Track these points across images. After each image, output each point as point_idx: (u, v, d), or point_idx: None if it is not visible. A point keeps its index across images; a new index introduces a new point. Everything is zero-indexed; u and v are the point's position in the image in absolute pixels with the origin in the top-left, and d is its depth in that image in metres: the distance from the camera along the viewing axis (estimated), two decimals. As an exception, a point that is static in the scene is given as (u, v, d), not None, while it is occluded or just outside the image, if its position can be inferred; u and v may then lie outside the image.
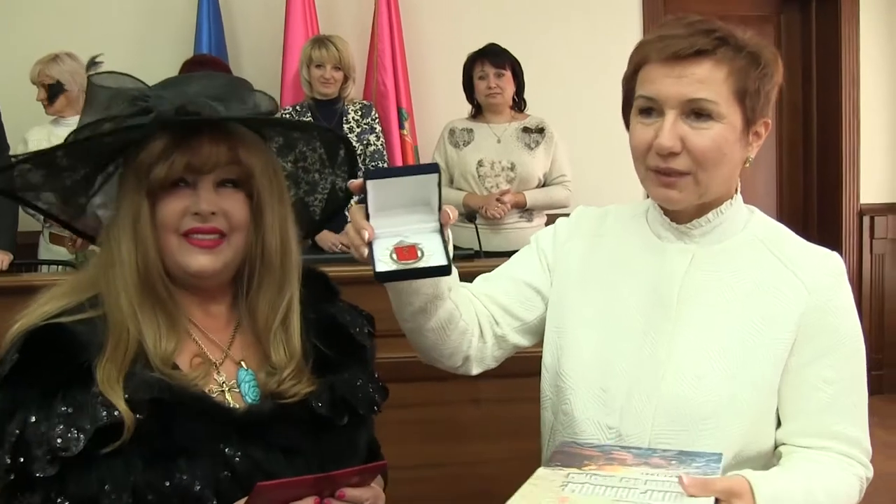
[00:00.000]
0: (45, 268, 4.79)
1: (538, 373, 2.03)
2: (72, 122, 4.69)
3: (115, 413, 1.59)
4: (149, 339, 1.69)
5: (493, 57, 4.84)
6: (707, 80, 1.73)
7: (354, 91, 5.03)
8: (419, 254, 1.57)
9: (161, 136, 1.66)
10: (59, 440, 1.58)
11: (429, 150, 5.58)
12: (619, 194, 5.40)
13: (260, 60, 5.79)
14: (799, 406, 1.79)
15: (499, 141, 4.91)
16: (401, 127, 5.57)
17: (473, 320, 1.93)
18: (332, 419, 1.75)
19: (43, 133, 4.88)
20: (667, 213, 1.84)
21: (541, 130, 4.94)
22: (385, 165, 5.08)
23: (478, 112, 5.00)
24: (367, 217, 1.60)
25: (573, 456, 1.74)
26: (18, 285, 3.38)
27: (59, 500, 1.61)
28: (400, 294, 1.75)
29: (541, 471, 1.66)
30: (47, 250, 4.91)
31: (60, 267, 4.65)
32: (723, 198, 1.83)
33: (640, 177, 1.81)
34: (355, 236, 1.59)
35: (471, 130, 4.96)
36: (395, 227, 1.61)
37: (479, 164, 4.88)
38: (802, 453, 1.76)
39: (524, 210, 4.87)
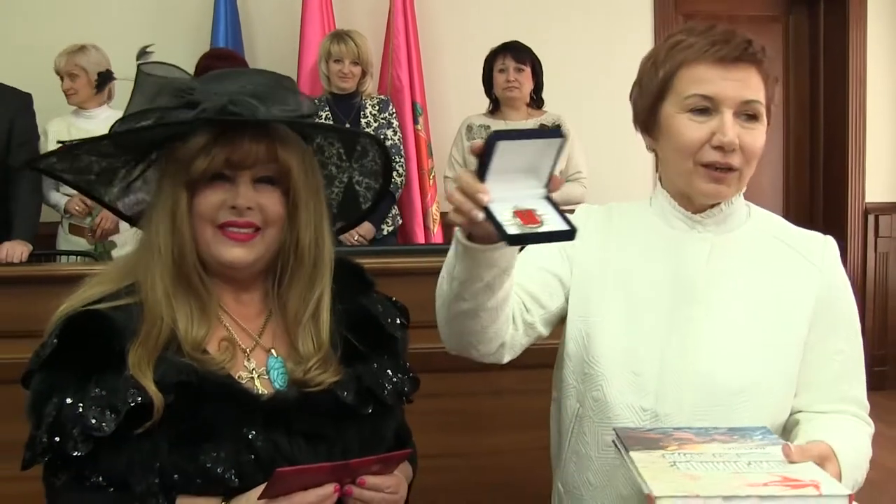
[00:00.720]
0: (63, 258, 4.82)
1: (552, 364, 2.08)
2: (93, 114, 4.94)
3: (146, 395, 1.63)
4: (181, 325, 1.72)
5: (515, 52, 4.88)
6: (756, 85, 1.83)
7: (371, 86, 5.03)
8: (539, 219, 1.52)
9: (203, 131, 1.70)
10: (92, 421, 1.63)
11: (442, 144, 5.64)
12: (626, 191, 5.43)
13: (276, 54, 5.77)
14: (817, 376, 1.88)
15: None
16: (415, 122, 5.58)
17: (513, 305, 1.95)
18: (357, 408, 1.78)
19: (63, 125, 4.94)
20: (681, 204, 1.90)
21: (557, 128, 4.90)
22: (402, 160, 5.13)
23: (495, 107, 5.04)
24: (482, 180, 1.51)
25: (643, 440, 1.75)
26: (38, 275, 3.40)
27: (91, 478, 1.67)
28: (477, 267, 1.68)
29: (636, 454, 1.66)
30: (66, 241, 4.92)
31: (79, 258, 4.70)
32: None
33: (682, 171, 1.86)
34: (465, 201, 1.50)
35: (488, 127, 4.97)
36: (505, 192, 1.53)
37: None
38: (822, 418, 1.85)
39: None
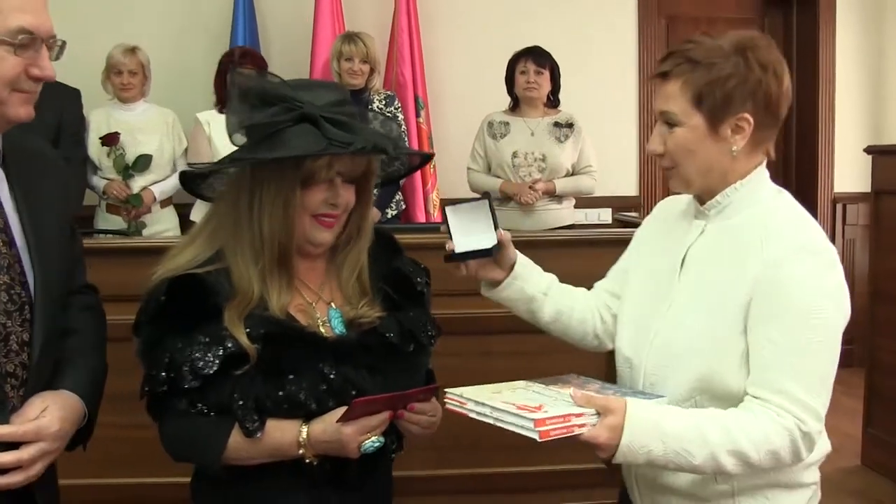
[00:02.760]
0: (101, 235, 4.90)
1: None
2: (132, 107, 5.15)
3: (239, 344, 1.84)
4: (273, 296, 1.93)
5: (536, 56, 4.96)
6: (670, 95, 1.91)
7: (378, 82, 5.11)
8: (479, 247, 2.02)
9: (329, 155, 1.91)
10: (199, 362, 1.83)
11: (441, 135, 5.78)
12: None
13: (290, 53, 5.86)
14: (753, 360, 1.87)
15: (532, 134, 5.02)
16: (417, 115, 5.65)
17: (590, 310, 2.22)
18: (401, 346, 1.98)
19: (102, 115, 5.08)
20: (696, 196, 2.00)
21: (570, 125, 5.05)
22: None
23: (515, 105, 5.11)
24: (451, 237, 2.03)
25: (558, 380, 2.03)
26: (131, 247, 3.79)
27: (199, 406, 1.89)
28: (509, 303, 2.17)
29: (531, 382, 1.99)
30: (104, 220, 5.10)
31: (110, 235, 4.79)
32: (728, 182, 1.94)
33: None
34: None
35: (507, 123, 5.07)
36: (466, 239, 2.05)
37: (514, 154, 5.00)
38: (744, 401, 1.86)
39: (554, 196, 5.01)
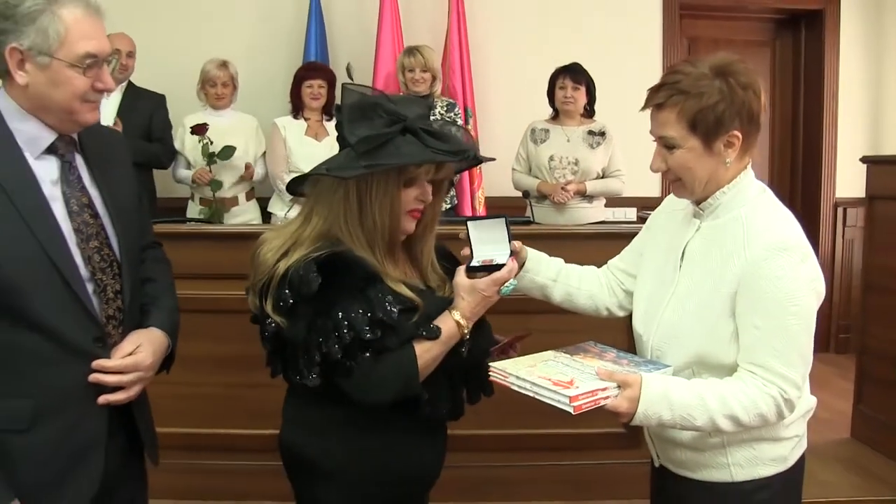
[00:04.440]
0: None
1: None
2: (223, 113, 5.23)
3: (408, 298, 1.96)
4: (389, 272, 2.01)
5: (574, 74, 5.03)
6: (666, 122, 1.96)
7: (439, 87, 5.20)
8: (492, 262, 2.04)
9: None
10: (381, 314, 1.91)
11: (487, 141, 5.67)
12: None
13: (355, 64, 5.37)
14: (742, 341, 1.94)
15: (568, 140, 5.06)
16: (466, 122, 5.62)
17: (598, 286, 2.32)
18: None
19: (197, 119, 5.10)
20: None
21: (602, 133, 5.08)
22: None
23: (556, 115, 5.17)
24: (471, 248, 2.09)
25: (580, 349, 2.13)
26: (216, 233, 3.95)
27: (383, 352, 1.93)
28: (526, 291, 2.26)
29: (553, 352, 2.09)
30: (194, 210, 5.22)
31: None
32: (720, 186, 2.00)
33: None
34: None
35: (547, 130, 5.13)
36: (483, 252, 2.08)
37: (551, 158, 5.05)
38: (738, 372, 1.95)
39: (585, 196, 5.05)
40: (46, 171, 1.95)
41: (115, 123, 4.95)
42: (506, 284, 2.00)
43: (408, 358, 1.94)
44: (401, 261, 2.15)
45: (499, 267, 2.01)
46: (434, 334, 1.95)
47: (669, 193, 2.24)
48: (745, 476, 2.06)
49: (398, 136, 1.95)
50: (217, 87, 5.15)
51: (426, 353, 1.95)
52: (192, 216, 5.17)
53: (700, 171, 1.97)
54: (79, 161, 2.03)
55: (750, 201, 2.01)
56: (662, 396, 1.87)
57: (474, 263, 2.04)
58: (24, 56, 1.85)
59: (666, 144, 1.98)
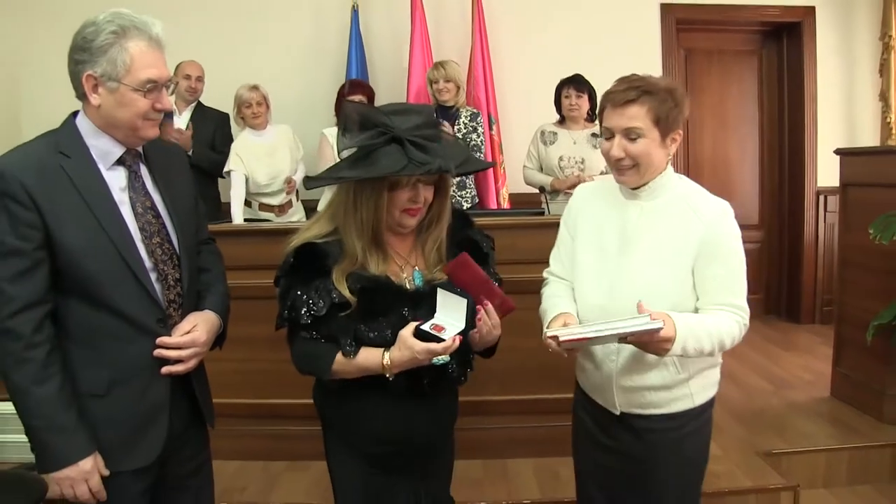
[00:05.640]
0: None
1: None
2: (262, 133, 5.20)
3: (342, 296, 1.99)
4: (372, 264, 2.06)
5: (577, 84, 5.06)
6: (636, 115, 2.09)
7: (462, 98, 5.20)
8: (441, 329, 1.97)
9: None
10: (314, 306, 1.99)
11: (509, 144, 5.84)
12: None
13: (391, 80, 6.07)
14: (703, 289, 2.12)
15: (574, 142, 5.06)
16: (490, 129, 5.73)
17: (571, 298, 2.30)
18: (461, 293, 2.03)
19: (243, 139, 5.20)
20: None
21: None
22: (481, 156, 5.23)
23: (562, 120, 5.18)
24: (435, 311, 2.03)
25: (574, 326, 2.10)
26: (266, 230, 4.01)
27: (314, 335, 2.05)
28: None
29: (561, 329, 2.06)
30: (254, 214, 5.28)
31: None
32: (658, 173, 2.16)
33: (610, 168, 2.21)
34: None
35: (556, 133, 5.14)
36: (441, 318, 2.01)
37: (560, 158, 5.05)
38: (709, 310, 2.12)
39: None
40: (116, 180, 2.03)
41: (186, 128, 5.16)
42: (438, 357, 1.98)
43: (323, 359, 2.04)
44: (406, 246, 2.17)
45: (440, 340, 1.97)
46: (347, 353, 2.01)
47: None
48: (701, 400, 2.24)
49: (383, 147, 1.98)
50: (252, 107, 5.16)
51: (342, 366, 2.03)
52: (248, 217, 5.28)
53: (655, 158, 2.12)
54: (143, 171, 2.11)
55: (678, 184, 2.19)
56: (688, 329, 2.02)
57: (425, 327, 2.00)
58: (98, 82, 1.94)
59: (630, 135, 2.10)
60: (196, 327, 2.10)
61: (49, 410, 1.92)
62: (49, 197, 1.91)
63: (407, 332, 1.98)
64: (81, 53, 1.94)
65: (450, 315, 2.00)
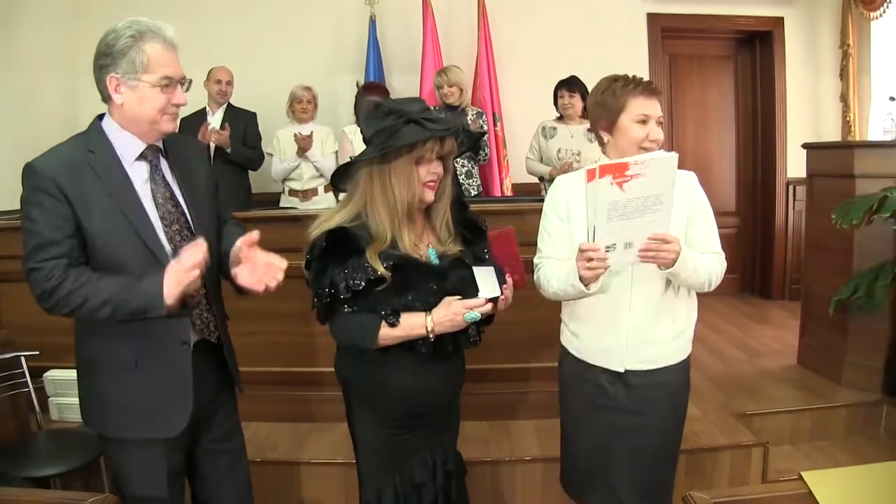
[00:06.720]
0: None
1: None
2: (306, 127, 5.35)
3: (376, 273, 2.01)
4: (404, 238, 2.08)
5: (570, 85, 5.18)
6: (661, 106, 2.26)
7: (465, 98, 5.28)
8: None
9: (434, 138, 2.06)
10: (352, 281, 2.01)
11: (512, 140, 5.95)
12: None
13: (405, 81, 6.12)
14: (701, 239, 2.26)
15: (571, 137, 5.15)
16: (495, 125, 5.87)
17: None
18: (475, 265, 2.15)
19: (288, 132, 5.38)
20: None
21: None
22: (487, 148, 5.37)
23: (560, 117, 5.28)
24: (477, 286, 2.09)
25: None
26: (291, 216, 4.05)
27: (354, 308, 2.05)
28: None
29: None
30: (285, 200, 5.44)
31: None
32: None
33: (631, 152, 2.22)
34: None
35: (555, 128, 5.23)
36: (483, 289, 2.09)
37: (559, 151, 5.14)
38: (705, 254, 2.25)
39: None
40: (138, 173, 2.05)
41: (222, 128, 5.28)
42: (472, 311, 2.03)
43: (368, 329, 2.05)
44: (419, 227, 2.18)
45: (494, 299, 2.08)
46: (392, 324, 2.03)
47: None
48: (686, 354, 2.38)
49: (403, 126, 2.02)
50: (303, 103, 5.41)
51: (388, 332, 2.05)
52: (283, 205, 5.44)
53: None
54: (163, 164, 2.13)
55: None
56: (688, 250, 2.17)
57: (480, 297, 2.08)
58: (119, 82, 1.98)
59: (660, 121, 2.26)
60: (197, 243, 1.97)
61: (118, 281, 1.94)
62: (78, 190, 1.96)
63: (450, 297, 2.06)
64: (104, 58, 2.00)
65: (486, 285, 2.10)
